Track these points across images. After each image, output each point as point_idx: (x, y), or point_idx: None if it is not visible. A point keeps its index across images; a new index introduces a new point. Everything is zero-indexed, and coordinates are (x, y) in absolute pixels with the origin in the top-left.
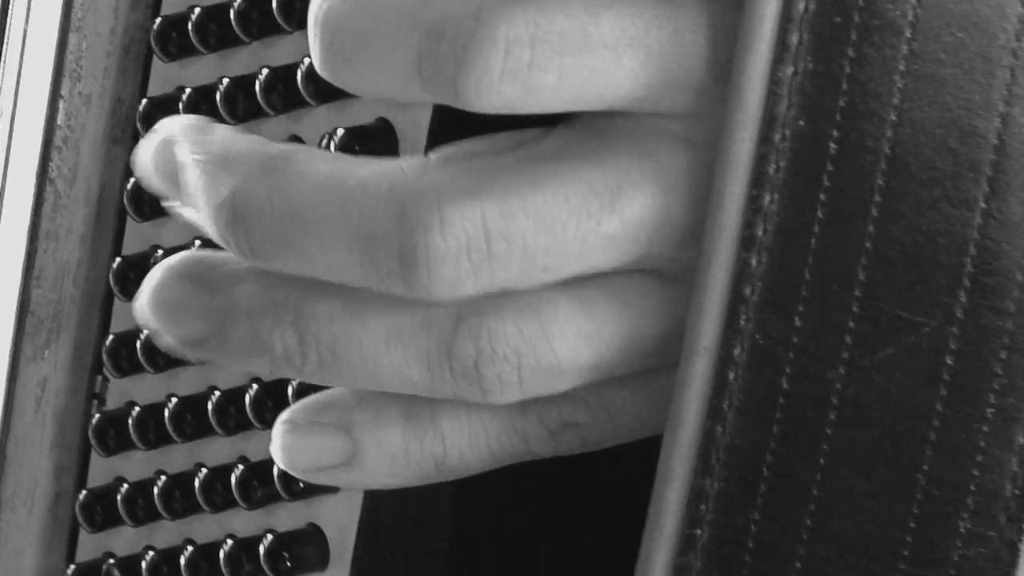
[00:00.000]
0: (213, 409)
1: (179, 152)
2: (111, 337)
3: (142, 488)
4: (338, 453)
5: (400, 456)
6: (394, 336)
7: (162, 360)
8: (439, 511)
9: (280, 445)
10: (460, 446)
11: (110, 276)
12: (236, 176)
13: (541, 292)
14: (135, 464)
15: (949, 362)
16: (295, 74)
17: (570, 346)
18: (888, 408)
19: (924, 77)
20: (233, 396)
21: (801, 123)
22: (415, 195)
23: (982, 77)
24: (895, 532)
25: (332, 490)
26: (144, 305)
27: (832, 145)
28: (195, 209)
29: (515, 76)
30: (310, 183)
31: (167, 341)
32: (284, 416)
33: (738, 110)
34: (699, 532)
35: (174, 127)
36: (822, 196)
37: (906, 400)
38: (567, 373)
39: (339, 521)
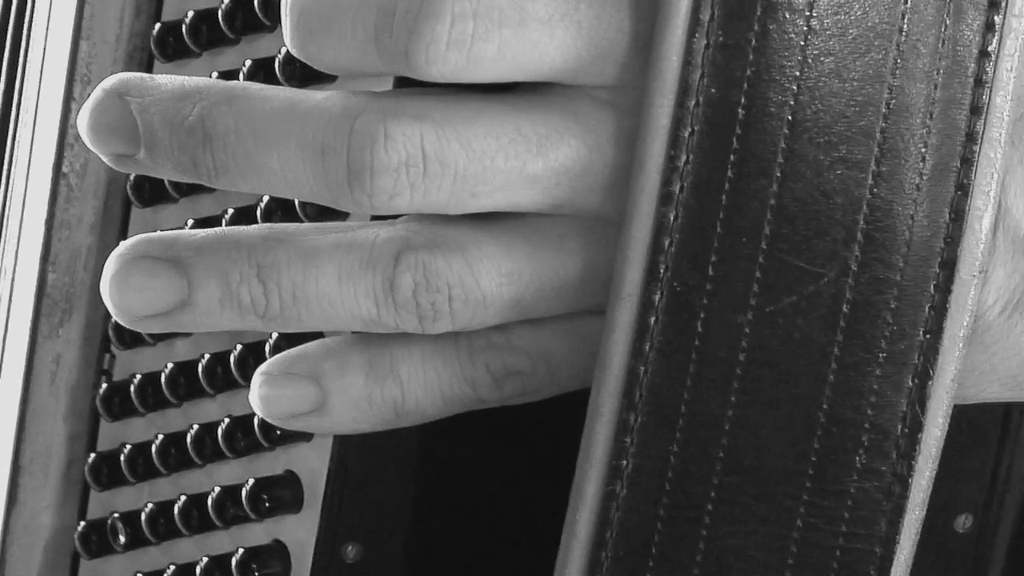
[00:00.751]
0: (203, 372)
1: (134, 102)
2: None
3: (142, 449)
4: (308, 400)
5: (363, 402)
6: (345, 276)
7: (156, 336)
8: (403, 457)
9: (258, 394)
10: (416, 392)
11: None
12: (202, 103)
13: (469, 232)
14: (136, 429)
15: (845, 310)
16: (273, 65)
17: (493, 282)
18: (791, 351)
19: (821, 51)
20: (219, 358)
21: (713, 90)
22: (364, 114)
23: (873, 52)
24: (798, 465)
25: (306, 438)
26: (110, 280)
27: (740, 111)
28: (152, 149)
29: (460, 46)
30: (271, 105)
31: (132, 315)
32: (261, 368)
33: (657, 79)
34: (624, 463)
35: (115, 84)
36: (731, 157)
37: (807, 344)
38: (492, 307)
39: (311, 467)
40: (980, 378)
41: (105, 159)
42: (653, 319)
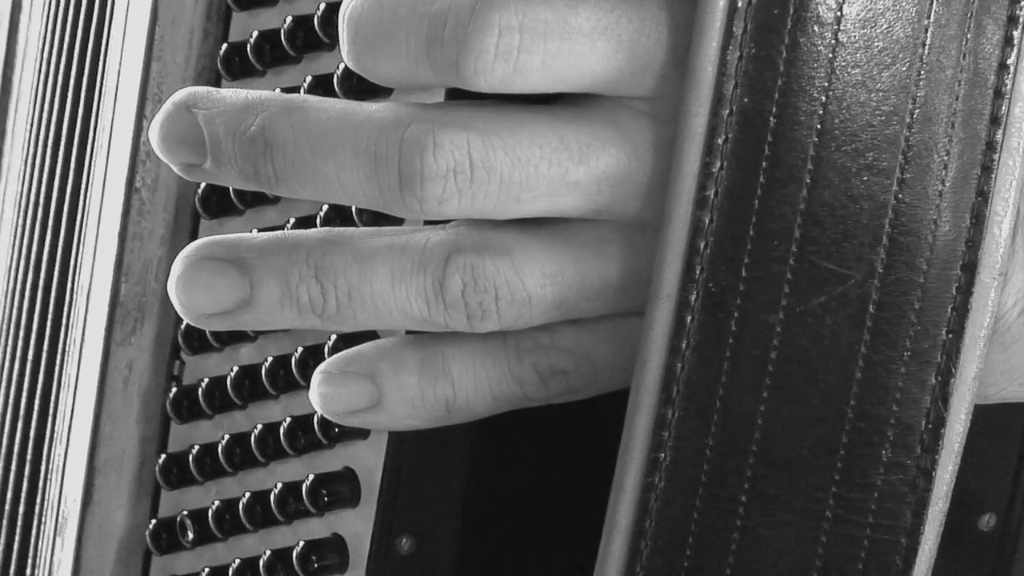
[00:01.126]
0: (266, 374)
1: (200, 113)
2: (185, 323)
3: (209, 449)
4: (365, 397)
5: (417, 399)
6: (397, 277)
7: (226, 337)
8: (454, 453)
9: (317, 392)
10: (467, 390)
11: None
12: (263, 115)
13: (515, 236)
14: (204, 431)
15: (872, 310)
16: (332, 80)
17: (538, 283)
18: (820, 349)
19: (848, 63)
20: (281, 361)
21: (745, 100)
22: (414, 123)
23: (898, 64)
24: (827, 458)
25: (363, 436)
26: (176, 281)
27: (772, 120)
28: (218, 159)
29: (507, 57)
30: (327, 116)
31: (197, 314)
32: (321, 367)
33: (693, 89)
34: (663, 455)
35: (183, 98)
36: (763, 163)
37: (835, 342)
38: (536, 307)
39: (368, 463)
40: (1000, 378)
41: (175, 169)
42: (689, 318)
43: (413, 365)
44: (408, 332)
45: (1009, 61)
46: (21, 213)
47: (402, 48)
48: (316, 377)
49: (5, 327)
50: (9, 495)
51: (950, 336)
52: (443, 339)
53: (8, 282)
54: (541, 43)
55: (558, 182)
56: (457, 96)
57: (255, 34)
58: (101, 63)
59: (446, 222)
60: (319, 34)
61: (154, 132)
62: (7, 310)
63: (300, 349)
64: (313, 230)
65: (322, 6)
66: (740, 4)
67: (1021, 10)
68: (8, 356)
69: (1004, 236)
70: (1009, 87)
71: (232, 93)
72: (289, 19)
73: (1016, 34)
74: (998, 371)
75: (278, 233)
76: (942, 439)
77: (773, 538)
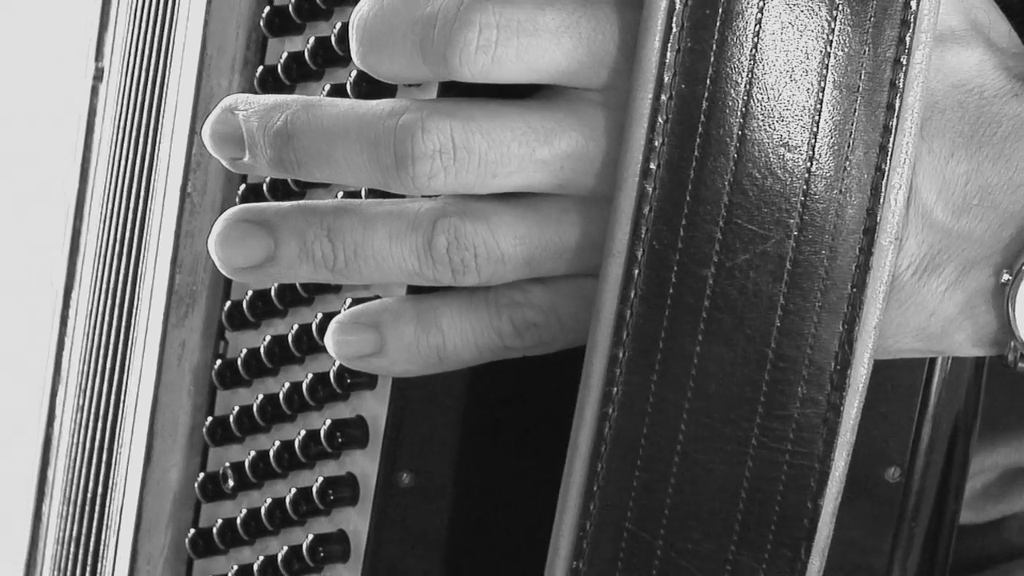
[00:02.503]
0: (292, 340)
1: (240, 114)
2: (228, 303)
3: (247, 410)
4: (370, 344)
5: (413, 347)
6: (394, 236)
7: (260, 313)
8: (448, 401)
9: (332, 339)
10: (455, 340)
11: None
12: (286, 112)
13: (492, 205)
14: (243, 396)
15: (788, 266)
16: (345, 87)
17: (510, 244)
18: (746, 299)
19: (766, 53)
20: (304, 328)
21: (683, 87)
22: (406, 112)
23: (805, 55)
24: (752, 394)
25: (370, 387)
26: (215, 239)
27: (704, 103)
28: (252, 150)
29: (486, 50)
30: (337, 111)
31: (232, 267)
32: (335, 319)
33: (639, 79)
34: (615, 390)
35: (228, 102)
36: (697, 140)
37: (758, 294)
38: (509, 264)
39: (375, 411)
40: (896, 331)
41: (223, 162)
42: (636, 272)
43: (410, 317)
44: (407, 292)
45: (902, 59)
46: (104, 220)
47: (400, 46)
48: (331, 327)
49: (91, 318)
50: (91, 456)
51: (854, 290)
52: (435, 296)
53: (92, 278)
54: (515, 38)
55: (527, 160)
56: (448, 94)
57: (284, 55)
58: (162, 91)
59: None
60: (336, 50)
61: (205, 132)
62: (92, 303)
63: (319, 315)
64: (327, 200)
65: (337, 26)
66: (678, 6)
67: (912, 14)
68: (92, 341)
69: (899, 206)
70: (902, 80)
71: (265, 96)
72: (312, 40)
73: (907, 36)
74: (894, 325)
75: (298, 202)
76: (849, 379)
77: (708, 461)
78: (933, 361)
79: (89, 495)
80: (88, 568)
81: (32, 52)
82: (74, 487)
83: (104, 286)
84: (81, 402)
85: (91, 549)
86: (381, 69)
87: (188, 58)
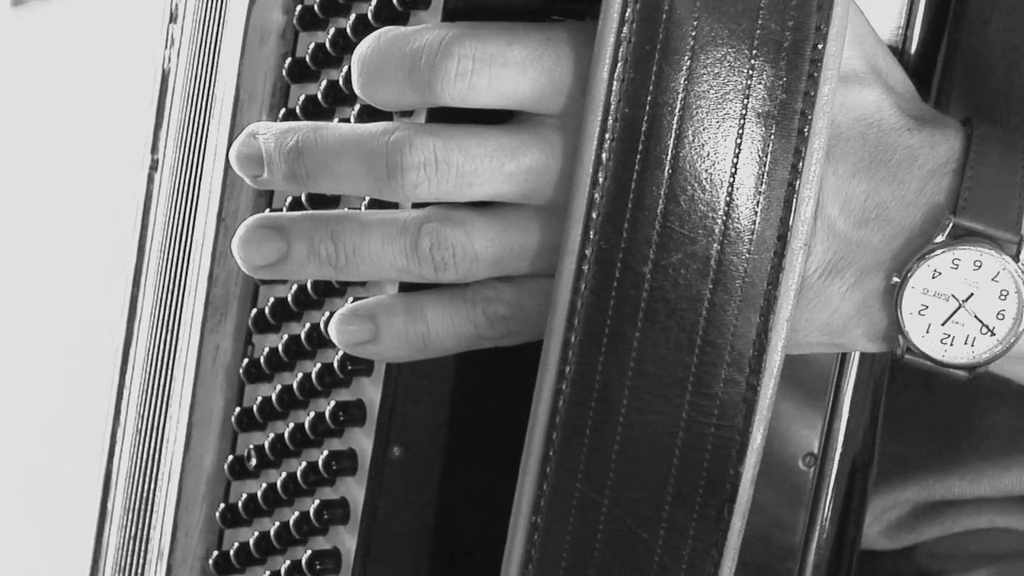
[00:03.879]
0: (304, 337)
1: (260, 137)
2: (254, 310)
3: (268, 400)
4: (366, 333)
5: (401, 335)
6: (386, 239)
7: (280, 317)
8: (433, 386)
9: (334, 329)
10: (438, 330)
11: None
12: (297, 134)
13: (468, 213)
14: (265, 388)
15: (713, 265)
16: (350, 121)
17: (482, 245)
18: (678, 293)
19: (697, 83)
20: (315, 327)
21: (626, 111)
22: (397, 131)
23: (730, 86)
24: (683, 374)
25: (368, 373)
26: (237, 244)
27: (644, 124)
28: (270, 167)
29: (463, 78)
30: (340, 131)
31: (252, 265)
32: (337, 312)
33: (591, 104)
34: (568, 368)
35: (251, 129)
36: (638, 155)
37: (688, 288)
38: (481, 263)
39: (371, 395)
40: (805, 325)
41: (247, 180)
42: (586, 268)
43: (400, 310)
44: (399, 290)
45: (812, 92)
46: (158, 276)
47: (392, 76)
48: (334, 318)
49: (151, 327)
50: (145, 448)
51: (770, 287)
52: (422, 293)
53: (154, 295)
54: (487, 68)
55: (497, 172)
56: (434, 120)
57: (302, 98)
58: (205, 137)
59: (425, 206)
60: (343, 91)
61: (232, 153)
62: (153, 317)
63: (327, 315)
64: (331, 210)
65: (344, 70)
66: (623, 44)
67: (819, 54)
68: (147, 347)
69: (808, 217)
70: (811, 111)
71: (280, 123)
72: (324, 83)
73: (815, 73)
74: (803, 320)
75: (306, 212)
76: (765, 363)
77: (646, 432)
78: (844, 365)
79: (142, 481)
80: (141, 541)
81: (99, 149)
82: (132, 476)
83: (156, 329)
84: (140, 406)
85: (142, 525)
86: (377, 97)
87: (225, 105)
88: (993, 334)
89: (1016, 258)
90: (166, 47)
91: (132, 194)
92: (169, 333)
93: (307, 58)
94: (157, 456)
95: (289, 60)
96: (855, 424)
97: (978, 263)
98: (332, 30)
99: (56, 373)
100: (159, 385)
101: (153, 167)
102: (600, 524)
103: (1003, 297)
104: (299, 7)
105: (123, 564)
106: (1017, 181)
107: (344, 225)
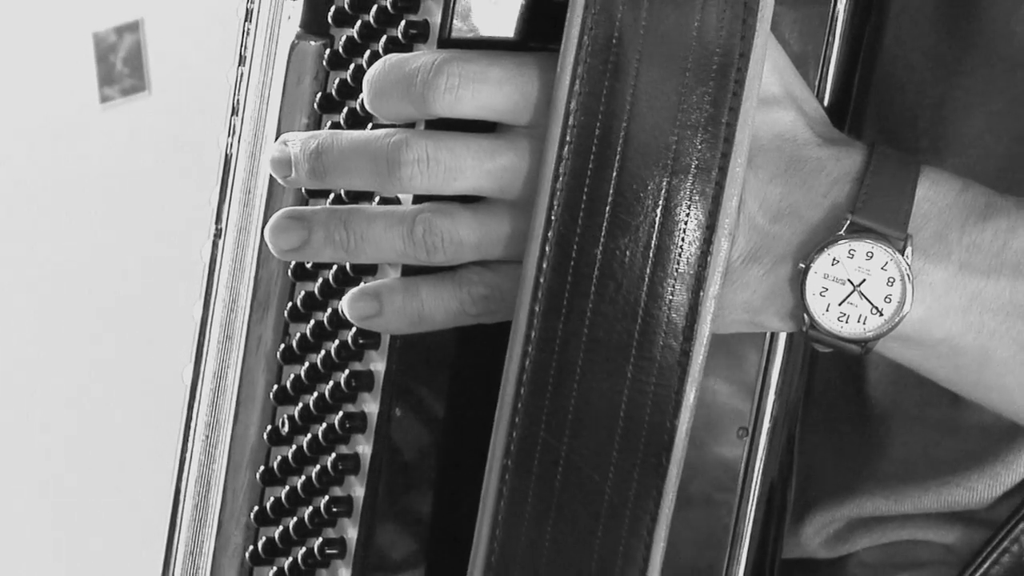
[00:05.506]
0: (327, 319)
1: (289, 143)
2: (289, 304)
3: (298, 377)
4: (372, 308)
5: (401, 310)
6: (387, 226)
7: (309, 306)
8: (427, 360)
9: (346, 305)
10: (430, 306)
11: (289, 273)
12: (319, 139)
13: (455, 205)
14: (295, 367)
15: (653, 246)
16: None
17: (466, 232)
18: (623, 271)
19: (640, 97)
20: (335, 311)
21: (583, 119)
22: (397, 134)
23: (667, 100)
24: (628, 339)
25: (376, 347)
26: (269, 232)
27: (597, 129)
28: (296, 167)
29: (451, 92)
30: (352, 136)
31: (280, 249)
32: (349, 292)
33: (554, 116)
34: (533, 333)
35: (283, 138)
36: (592, 155)
37: (632, 266)
38: (465, 247)
39: (378, 366)
40: (729, 304)
41: (280, 181)
42: (548, 249)
43: (400, 290)
44: (401, 274)
45: (734, 106)
46: (224, 301)
47: (394, 93)
48: (346, 296)
49: (224, 323)
50: (210, 426)
51: (700, 268)
52: (418, 276)
53: (219, 331)
54: (471, 84)
55: (478, 170)
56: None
57: (328, 123)
58: (256, 206)
59: (422, 201)
60: (360, 115)
61: (268, 160)
62: (220, 344)
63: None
64: (345, 205)
65: (360, 98)
66: (580, 65)
67: (742, 75)
68: (218, 340)
69: (732, 211)
70: (735, 122)
71: (306, 132)
72: (345, 111)
73: (739, 91)
74: (728, 300)
75: (324, 206)
76: (696, 332)
77: (597, 388)
78: (773, 349)
79: (206, 451)
80: (203, 500)
81: (175, 219)
82: (203, 451)
83: (223, 343)
84: (211, 396)
85: (204, 487)
86: (382, 111)
87: (268, 137)
88: (881, 315)
89: (902, 252)
90: (229, 135)
91: (201, 258)
92: (229, 340)
93: (333, 92)
94: (215, 430)
95: (320, 94)
96: (783, 404)
97: (870, 254)
98: (352, 66)
99: (147, 392)
100: (220, 378)
101: (217, 235)
102: (559, 466)
103: (890, 284)
104: (327, 51)
105: (193, 519)
106: (907, 191)
107: (354, 215)
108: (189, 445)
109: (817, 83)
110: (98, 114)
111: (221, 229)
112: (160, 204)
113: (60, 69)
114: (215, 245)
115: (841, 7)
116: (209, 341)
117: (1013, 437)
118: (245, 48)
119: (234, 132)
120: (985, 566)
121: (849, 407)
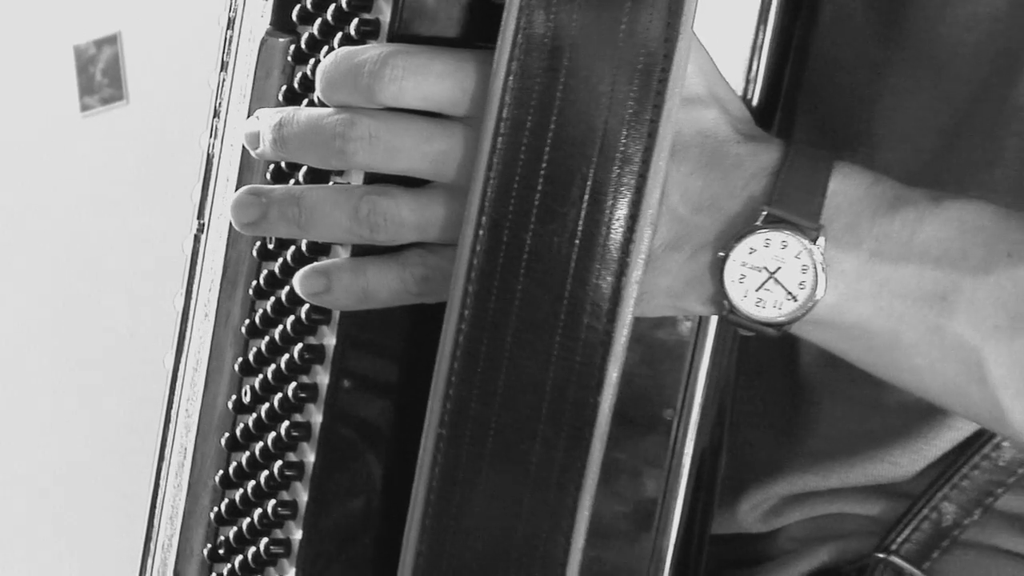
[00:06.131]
0: (285, 297)
1: (260, 122)
2: (254, 282)
3: (260, 350)
4: (322, 285)
5: (348, 288)
6: (336, 204)
7: (271, 283)
8: (374, 334)
9: (298, 281)
10: (375, 284)
11: (254, 253)
12: (282, 115)
13: (397, 188)
14: (259, 342)
15: (579, 234)
16: None
17: (408, 214)
18: (551, 255)
19: (570, 92)
20: (292, 289)
21: (516, 111)
22: (345, 114)
23: (596, 97)
24: (555, 319)
25: (327, 323)
26: (232, 207)
27: (528, 122)
28: (263, 140)
29: (394, 82)
30: (308, 112)
31: (240, 223)
32: (301, 269)
33: (489, 108)
34: (466, 312)
35: (256, 113)
36: (523, 146)
37: (559, 251)
38: (406, 227)
39: (328, 339)
40: (652, 289)
41: (252, 154)
42: (481, 232)
43: (348, 268)
44: (351, 254)
45: (657, 103)
46: (208, 291)
47: (343, 83)
48: (298, 273)
49: (206, 303)
50: (189, 393)
51: (623, 255)
52: (365, 257)
53: (201, 323)
54: (413, 76)
55: (415, 151)
56: None
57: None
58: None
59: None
60: (316, 105)
61: (242, 134)
62: (200, 331)
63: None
64: (299, 185)
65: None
66: (514, 62)
67: (666, 74)
68: (200, 321)
69: (655, 201)
70: (659, 117)
71: (273, 110)
72: (306, 101)
73: (662, 89)
74: (650, 285)
75: (280, 185)
76: (618, 315)
77: (526, 364)
78: (702, 335)
79: (185, 423)
80: (180, 467)
81: (159, 216)
82: (182, 423)
83: (204, 326)
84: (192, 375)
85: (181, 455)
86: (333, 99)
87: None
88: (795, 300)
89: (815, 241)
90: (211, 137)
91: (183, 251)
92: (206, 318)
93: (296, 85)
94: (194, 403)
95: (285, 87)
96: (712, 386)
97: (784, 243)
98: (312, 61)
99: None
100: (199, 354)
101: (200, 229)
102: (490, 436)
103: (804, 271)
104: (292, 47)
105: (176, 484)
106: (820, 184)
107: (307, 194)
108: (173, 416)
109: (745, 84)
110: (79, 122)
111: (203, 224)
112: (138, 204)
113: (43, 80)
114: (196, 239)
115: (772, 10)
116: (191, 329)
117: (933, 415)
118: (228, 54)
119: (216, 134)
120: (906, 532)
121: (782, 386)
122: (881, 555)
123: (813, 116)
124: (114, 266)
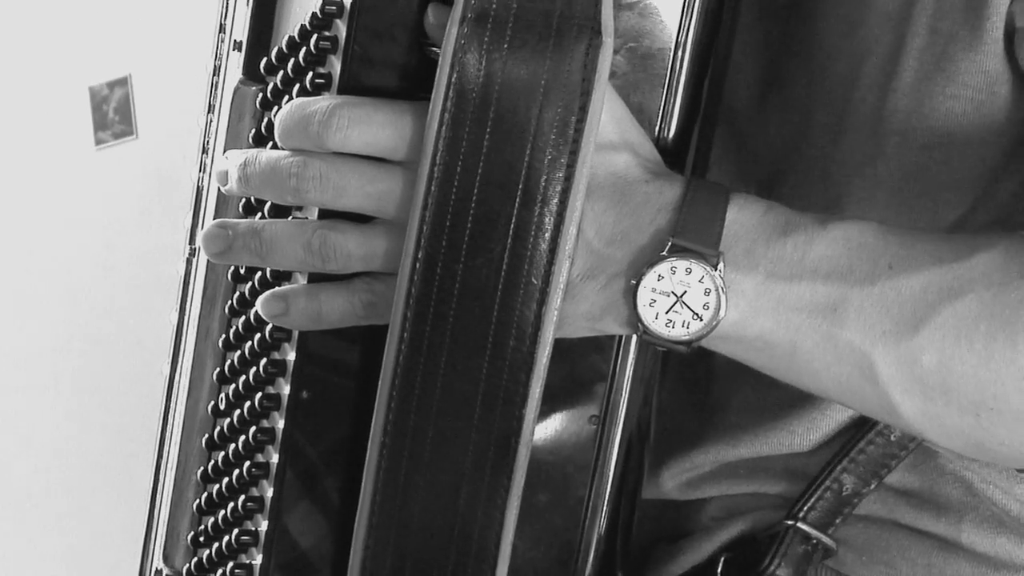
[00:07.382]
0: (253, 316)
1: (228, 159)
2: (230, 301)
3: (234, 362)
4: (280, 308)
5: (303, 311)
6: (291, 238)
7: (243, 304)
8: (332, 352)
9: (260, 304)
10: (328, 309)
11: (229, 276)
12: (247, 155)
13: (345, 223)
14: (235, 354)
15: (505, 266)
16: None
17: (354, 247)
18: (480, 284)
19: (496, 136)
20: (257, 315)
21: (447, 157)
22: (299, 157)
23: (520, 140)
24: (484, 342)
25: (288, 339)
26: (202, 238)
27: (459, 166)
28: (230, 179)
29: (340, 131)
30: (269, 154)
31: (210, 252)
32: (262, 295)
33: (425, 152)
34: (406, 334)
35: (225, 155)
36: (454, 188)
37: (487, 281)
38: (353, 259)
39: (289, 355)
40: (572, 315)
41: (222, 190)
42: (418, 264)
43: (303, 294)
44: (307, 280)
45: (577, 129)
46: (199, 311)
47: (296, 130)
48: (260, 299)
49: (195, 342)
50: (168, 394)
51: (544, 285)
52: (320, 283)
53: (194, 335)
54: (358, 126)
55: (360, 191)
56: None
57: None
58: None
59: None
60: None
61: (214, 174)
62: (196, 344)
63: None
64: (261, 220)
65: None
66: (447, 113)
67: (581, 124)
68: (193, 336)
69: (572, 236)
70: (575, 162)
71: (241, 151)
72: (269, 145)
73: (578, 137)
74: (570, 311)
75: (245, 219)
76: (540, 338)
77: (458, 380)
78: (626, 345)
79: (173, 421)
80: (178, 468)
81: (156, 242)
82: (173, 417)
83: (199, 340)
84: (187, 383)
85: (181, 454)
86: (288, 144)
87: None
88: (701, 320)
89: (715, 267)
90: (200, 171)
91: (176, 273)
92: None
93: (262, 129)
94: (173, 400)
95: (254, 131)
96: (637, 389)
97: (689, 270)
98: (275, 108)
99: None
100: (174, 360)
101: (192, 254)
102: (427, 443)
103: (707, 294)
104: (260, 95)
105: (174, 480)
106: (718, 215)
107: (267, 227)
108: (169, 418)
109: (659, 122)
110: (93, 154)
111: (195, 249)
112: (145, 230)
113: (61, 117)
114: (188, 262)
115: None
116: (185, 340)
117: None
118: (214, 98)
119: (204, 168)
120: (811, 501)
121: (700, 371)
122: (790, 522)
123: (729, 129)
124: (123, 280)
